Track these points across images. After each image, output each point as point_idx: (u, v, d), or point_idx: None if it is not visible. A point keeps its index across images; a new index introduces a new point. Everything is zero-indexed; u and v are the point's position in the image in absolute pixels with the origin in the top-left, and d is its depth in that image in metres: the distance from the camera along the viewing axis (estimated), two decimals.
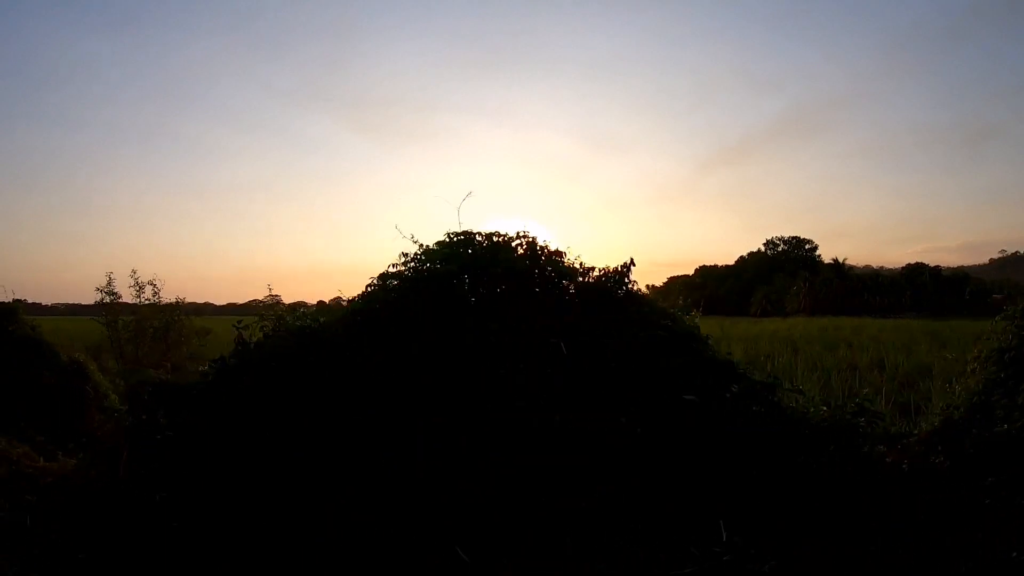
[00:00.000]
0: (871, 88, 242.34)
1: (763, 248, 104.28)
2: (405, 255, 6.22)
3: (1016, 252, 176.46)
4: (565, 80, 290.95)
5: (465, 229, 6.34)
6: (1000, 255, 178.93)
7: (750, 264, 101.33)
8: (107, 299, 11.62)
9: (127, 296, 11.76)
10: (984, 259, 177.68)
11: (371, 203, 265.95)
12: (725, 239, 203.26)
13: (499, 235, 6.32)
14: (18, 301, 8.89)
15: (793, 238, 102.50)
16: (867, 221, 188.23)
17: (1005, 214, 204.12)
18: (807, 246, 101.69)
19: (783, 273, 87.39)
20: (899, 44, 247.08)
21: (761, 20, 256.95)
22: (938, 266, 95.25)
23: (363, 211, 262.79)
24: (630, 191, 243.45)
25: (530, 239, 6.32)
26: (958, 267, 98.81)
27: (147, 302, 11.77)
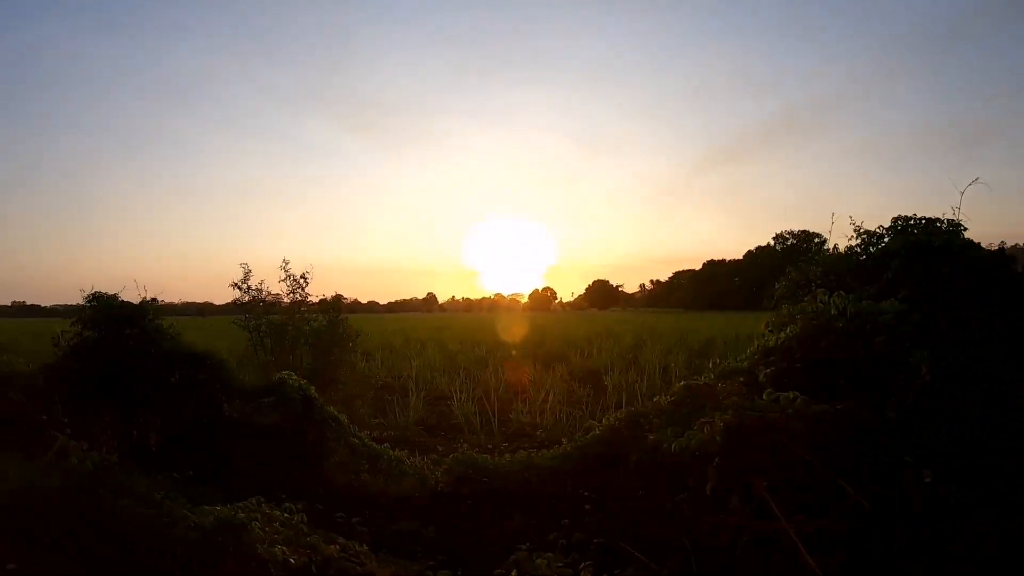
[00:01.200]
0: (868, 88, 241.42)
1: (772, 242, 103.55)
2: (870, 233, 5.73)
3: (1016, 244, 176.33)
4: (562, 82, 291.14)
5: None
6: (999, 246, 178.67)
7: (760, 258, 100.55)
8: (246, 297, 9.59)
9: (276, 292, 9.69)
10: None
11: (369, 204, 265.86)
12: (722, 237, 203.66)
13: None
14: (152, 301, 6.19)
15: (802, 231, 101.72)
16: (863, 218, 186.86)
17: (1001, 211, 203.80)
18: (816, 240, 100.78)
19: (795, 267, 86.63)
20: (896, 44, 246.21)
21: (757, 21, 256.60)
22: None
23: (362, 212, 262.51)
24: (627, 190, 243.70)
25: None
26: None
27: (301, 299, 9.67)
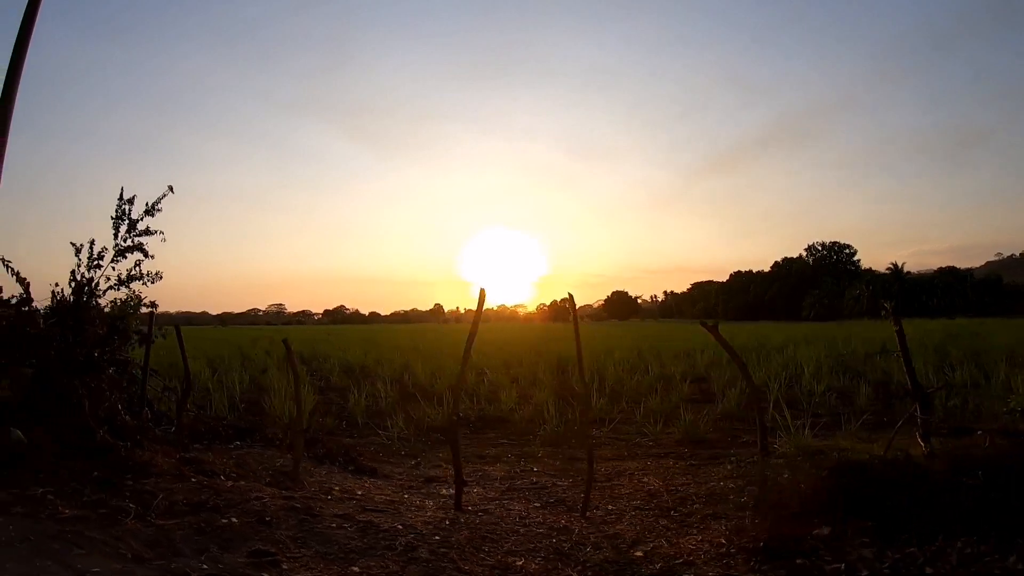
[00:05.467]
0: (861, 95, 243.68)
1: (804, 254, 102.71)
2: None
3: (1012, 255, 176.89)
4: (557, 89, 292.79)
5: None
6: (996, 257, 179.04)
7: (792, 269, 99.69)
8: None
9: None
10: (973, 262, 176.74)
11: (368, 211, 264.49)
12: (717, 247, 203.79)
13: None
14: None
15: (834, 243, 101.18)
16: (856, 225, 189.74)
17: (992, 218, 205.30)
18: (846, 251, 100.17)
19: (830, 278, 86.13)
20: (888, 52, 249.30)
21: (751, 28, 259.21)
22: (970, 269, 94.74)
23: (361, 219, 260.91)
24: (621, 199, 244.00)
25: None
26: (947, 267, 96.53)
27: None
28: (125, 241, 6.06)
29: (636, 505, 5.01)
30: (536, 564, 3.71)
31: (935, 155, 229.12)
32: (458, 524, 4.34)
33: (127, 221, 6.07)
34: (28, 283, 5.77)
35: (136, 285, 6.16)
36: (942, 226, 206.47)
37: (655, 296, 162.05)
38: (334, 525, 4.00)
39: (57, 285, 6.05)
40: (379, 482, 5.61)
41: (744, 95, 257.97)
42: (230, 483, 4.57)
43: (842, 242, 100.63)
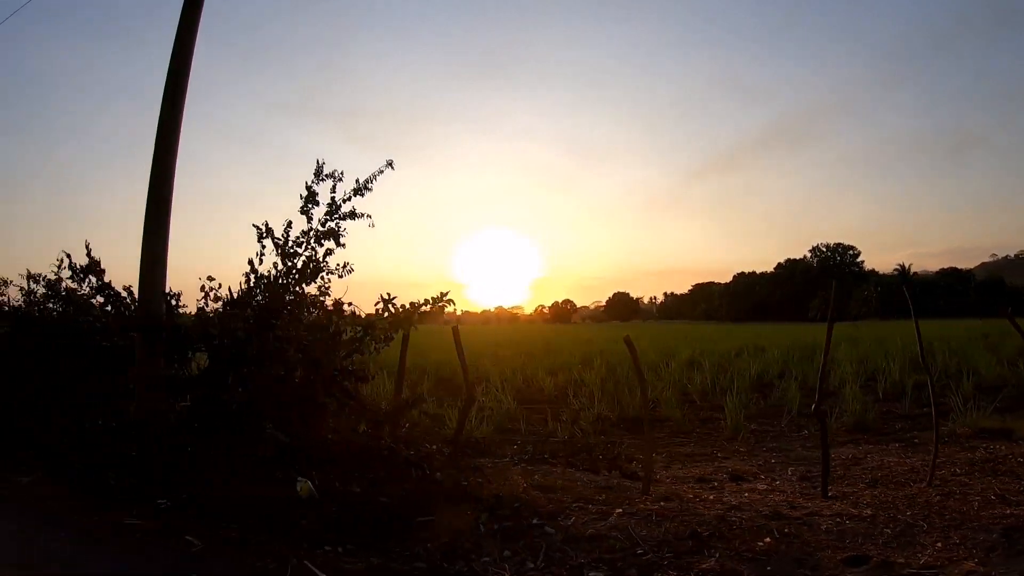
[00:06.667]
0: (859, 97, 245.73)
1: (808, 255, 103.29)
2: None
3: (1007, 256, 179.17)
4: (555, 91, 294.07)
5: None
6: (992, 259, 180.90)
7: (796, 271, 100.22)
8: None
9: None
10: (969, 263, 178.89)
11: (366, 211, 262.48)
12: (717, 248, 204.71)
13: None
14: None
15: (838, 245, 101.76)
16: (855, 227, 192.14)
17: (988, 220, 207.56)
18: (851, 252, 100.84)
19: (835, 279, 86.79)
20: (886, 55, 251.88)
21: (750, 31, 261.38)
22: (970, 270, 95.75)
23: (359, 219, 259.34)
24: (620, 200, 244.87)
25: None
26: (949, 268, 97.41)
27: None
28: (323, 225, 5.37)
29: (949, 474, 5.31)
30: (1015, 510, 4.18)
31: (933, 157, 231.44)
32: (873, 504, 4.52)
33: (328, 202, 5.39)
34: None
35: (321, 279, 5.45)
36: (939, 228, 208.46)
37: (655, 297, 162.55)
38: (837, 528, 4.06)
39: (212, 279, 5.50)
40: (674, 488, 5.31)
41: (743, 96, 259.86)
42: (656, 506, 4.34)
43: (846, 243, 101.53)
